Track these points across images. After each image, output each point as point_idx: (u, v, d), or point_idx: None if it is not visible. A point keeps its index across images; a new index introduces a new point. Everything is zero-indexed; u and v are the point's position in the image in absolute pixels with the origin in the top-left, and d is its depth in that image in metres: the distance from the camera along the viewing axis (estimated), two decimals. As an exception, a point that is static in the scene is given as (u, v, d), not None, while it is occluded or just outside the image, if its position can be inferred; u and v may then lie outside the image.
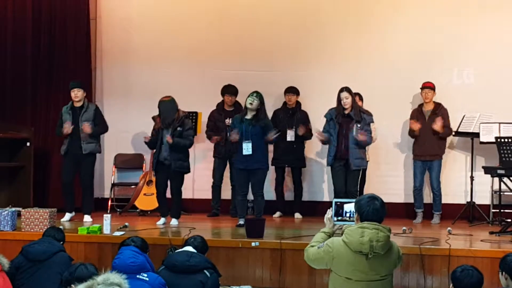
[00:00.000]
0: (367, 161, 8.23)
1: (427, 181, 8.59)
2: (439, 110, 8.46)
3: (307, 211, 8.83)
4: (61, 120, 8.18)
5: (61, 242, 5.72)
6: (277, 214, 8.83)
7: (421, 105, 8.58)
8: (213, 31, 9.42)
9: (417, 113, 8.55)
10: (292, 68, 9.19)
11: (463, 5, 8.90)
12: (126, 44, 9.64)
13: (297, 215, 8.83)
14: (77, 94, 8.15)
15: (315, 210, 8.74)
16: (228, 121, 8.62)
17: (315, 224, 7.55)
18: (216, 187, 8.95)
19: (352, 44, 9.13)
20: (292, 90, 8.86)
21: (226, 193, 9.00)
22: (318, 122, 8.47)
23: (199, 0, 9.48)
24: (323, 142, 8.07)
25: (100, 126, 8.25)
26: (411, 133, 8.53)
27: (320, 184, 9.22)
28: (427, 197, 8.65)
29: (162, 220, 7.95)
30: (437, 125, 8.29)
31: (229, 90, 8.86)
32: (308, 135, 8.73)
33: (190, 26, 9.45)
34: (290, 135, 8.54)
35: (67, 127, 8.03)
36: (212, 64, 9.36)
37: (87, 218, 8.14)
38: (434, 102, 8.51)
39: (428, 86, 8.45)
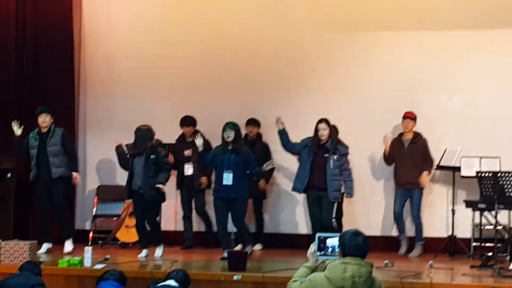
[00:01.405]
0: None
1: (408, 211, 8.59)
2: (418, 139, 8.56)
3: (269, 242, 8.88)
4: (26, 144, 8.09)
5: (38, 277, 5.65)
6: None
7: (400, 135, 8.67)
8: (196, 61, 9.45)
9: (396, 142, 8.65)
10: (277, 98, 9.14)
11: (449, 34, 8.91)
12: (110, 73, 9.64)
13: (257, 246, 8.74)
14: (45, 120, 8.05)
15: (276, 241, 8.88)
16: (188, 152, 8.58)
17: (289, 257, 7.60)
18: (187, 218, 8.85)
19: (333, 74, 9.16)
20: (252, 122, 8.83)
21: (201, 225, 9.00)
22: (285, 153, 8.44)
23: (182, 31, 9.49)
24: (279, 129, 7.89)
25: (72, 153, 8.20)
26: (385, 157, 8.64)
27: (281, 215, 9.22)
28: (410, 231, 8.61)
29: (144, 252, 7.86)
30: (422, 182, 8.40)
31: (186, 121, 8.79)
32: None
33: (174, 56, 9.48)
34: None
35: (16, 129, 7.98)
36: (196, 95, 9.35)
37: (67, 244, 8.03)
38: (413, 132, 8.60)
39: (409, 116, 8.55)
